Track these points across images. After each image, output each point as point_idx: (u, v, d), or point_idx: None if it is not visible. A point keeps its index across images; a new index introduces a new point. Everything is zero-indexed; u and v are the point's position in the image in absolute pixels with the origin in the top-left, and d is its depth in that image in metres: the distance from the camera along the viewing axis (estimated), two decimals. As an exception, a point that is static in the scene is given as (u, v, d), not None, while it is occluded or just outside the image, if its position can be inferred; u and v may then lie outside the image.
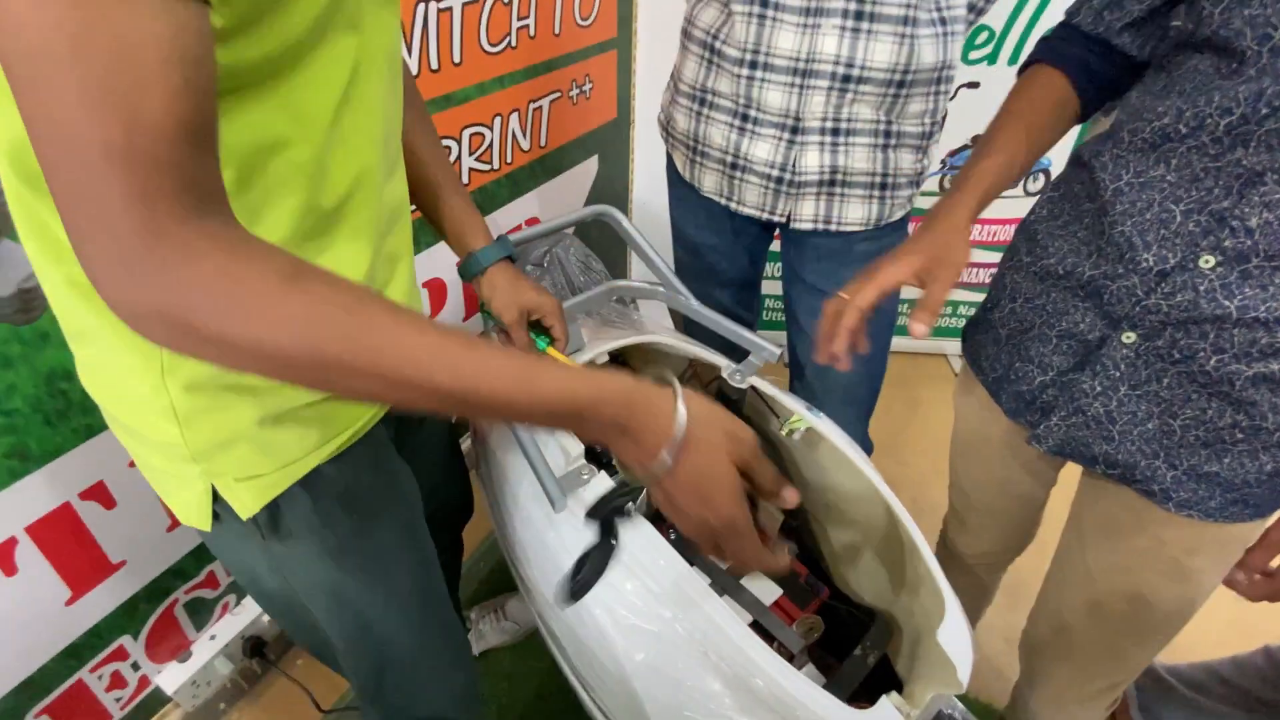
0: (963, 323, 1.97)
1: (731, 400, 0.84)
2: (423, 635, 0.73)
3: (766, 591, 0.77)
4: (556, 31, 1.38)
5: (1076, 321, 0.68)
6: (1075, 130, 1.50)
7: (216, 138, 0.35)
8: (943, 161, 1.80)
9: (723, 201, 1.02)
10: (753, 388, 0.83)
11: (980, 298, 0.96)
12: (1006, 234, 1.90)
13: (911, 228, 1.04)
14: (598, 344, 0.86)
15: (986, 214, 0.73)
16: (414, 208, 0.69)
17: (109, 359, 0.50)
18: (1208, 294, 0.57)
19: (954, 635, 0.60)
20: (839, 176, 0.93)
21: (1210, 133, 0.55)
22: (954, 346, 2.10)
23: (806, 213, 0.96)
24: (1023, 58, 0.79)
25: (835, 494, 0.81)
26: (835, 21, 0.84)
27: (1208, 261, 0.57)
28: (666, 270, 0.90)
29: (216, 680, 1.15)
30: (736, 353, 0.84)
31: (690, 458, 0.44)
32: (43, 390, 0.81)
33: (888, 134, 0.91)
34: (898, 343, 2.11)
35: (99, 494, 0.91)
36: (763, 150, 0.94)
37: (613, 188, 1.83)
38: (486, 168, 1.34)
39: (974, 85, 1.67)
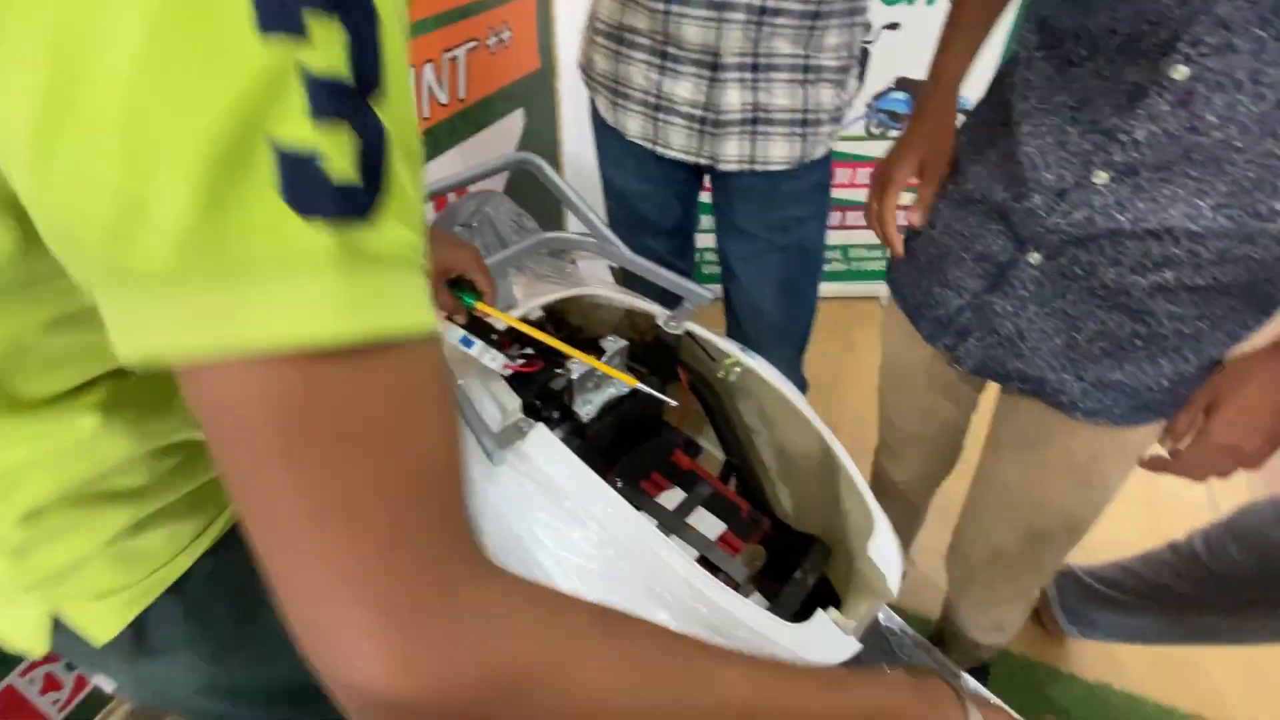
0: (893, 264, 2.02)
1: (669, 347, 0.85)
2: None
3: (711, 527, 0.80)
4: (466, -24, 1.32)
5: (989, 244, 0.71)
6: (996, 58, 1.54)
7: None
8: (868, 105, 1.82)
9: (649, 145, 1.01)
10: (688, 333, 0.83)
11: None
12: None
13: (833, 168, 1.06)
14: (531, 300, 0.85)
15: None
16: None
17: None
18: (1102, 210, 0.60)
19: (883, 548, 0.63)
20: (760, 114, 0.93)
21: (1105, 54, 0.57)
22: (886, 290, 2.15)
23: (731, 152, 0.96)
24: (941, -1, 0.83)
25: (772, 430, 0.84)
26: None
27: (1100, 177, 0.59)
28: (596, 220, 0.88)
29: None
30: (672, 302, 0.84)
31: None
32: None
33: (806, 69, 0.91)
34: (832, 288, 2.17)
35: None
36: (684, 90, 0.93)
37: (541, 142, 1.78)
38: (404, 124, 1.28)
39: (894, 26, 1.68)
